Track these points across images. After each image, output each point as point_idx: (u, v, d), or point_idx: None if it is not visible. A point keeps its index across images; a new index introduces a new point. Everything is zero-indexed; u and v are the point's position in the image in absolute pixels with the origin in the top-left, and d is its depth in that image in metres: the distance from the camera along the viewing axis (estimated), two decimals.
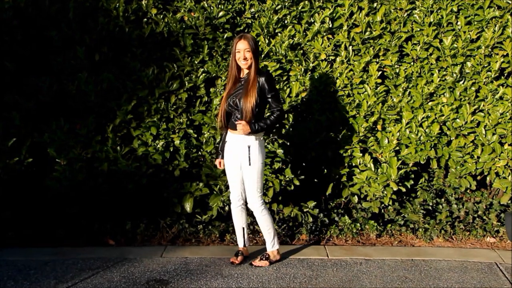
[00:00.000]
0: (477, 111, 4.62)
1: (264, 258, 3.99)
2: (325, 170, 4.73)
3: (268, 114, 3.92)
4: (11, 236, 4.44)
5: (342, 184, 4.74)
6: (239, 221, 4.04)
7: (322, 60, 4.68)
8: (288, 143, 4.62)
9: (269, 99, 3.80)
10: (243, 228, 4.05)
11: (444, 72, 4.65)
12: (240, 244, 4.11)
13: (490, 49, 4.61)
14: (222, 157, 4.02)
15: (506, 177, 4.58)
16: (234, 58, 3.82)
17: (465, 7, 4.69)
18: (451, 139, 4.65)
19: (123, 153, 4.42)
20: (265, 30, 4.67)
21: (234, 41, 3.83)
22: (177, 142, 4.52)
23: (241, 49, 3.77)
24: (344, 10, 4.70)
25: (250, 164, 3.80)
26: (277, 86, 4.55)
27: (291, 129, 4.62)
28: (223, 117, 3.90)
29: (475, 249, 4.45)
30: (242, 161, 3.83)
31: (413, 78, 4.70)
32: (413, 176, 4.75)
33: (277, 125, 3.86)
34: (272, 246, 4.01)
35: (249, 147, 3.80)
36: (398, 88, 4.68)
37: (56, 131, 4.35)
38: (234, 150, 3.89)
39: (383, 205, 4.71)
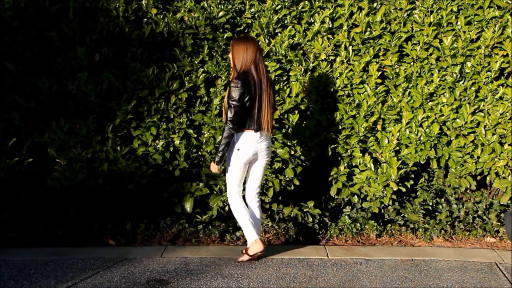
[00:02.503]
0: (477, 111, 4.62)
1: (244, 252, 4.01)
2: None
3: None
4: (11, 236, 4.44)
5: (342, 184, 4.74)
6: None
7: (322, 60, 4.68)
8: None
9: None
10: (250, 221, 3.95)
11: (444, 72, 4.65)
12: None
13: (490, 49, 4.61)
14: None
15: (506, 177, 4.58)
16: None
17: (465, 7, 4.69)
18: (451, 139, 4.65)
19: (123, 153, 4.42)
20: (265, 30, 4.66)
21: None
22: (177, 142, 4.52)
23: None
24: (344, 10, 4.70)
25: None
26: (277, 87, 4.55)
27: (290, 128, 4.62)
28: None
29: (475, 249, 4.45)
30: None
31: (413, 78, 4.70)
32: (413, 176, 4.75)
33: (228, 142, 3.79)
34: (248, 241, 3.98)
35: None
36: (398, 88, 4.68)
37: (56, 131, 4.35)
38: None
39: (383, 205, 4.70)
